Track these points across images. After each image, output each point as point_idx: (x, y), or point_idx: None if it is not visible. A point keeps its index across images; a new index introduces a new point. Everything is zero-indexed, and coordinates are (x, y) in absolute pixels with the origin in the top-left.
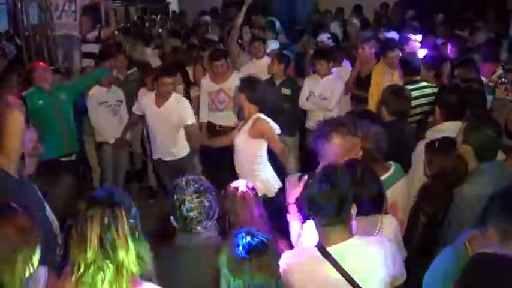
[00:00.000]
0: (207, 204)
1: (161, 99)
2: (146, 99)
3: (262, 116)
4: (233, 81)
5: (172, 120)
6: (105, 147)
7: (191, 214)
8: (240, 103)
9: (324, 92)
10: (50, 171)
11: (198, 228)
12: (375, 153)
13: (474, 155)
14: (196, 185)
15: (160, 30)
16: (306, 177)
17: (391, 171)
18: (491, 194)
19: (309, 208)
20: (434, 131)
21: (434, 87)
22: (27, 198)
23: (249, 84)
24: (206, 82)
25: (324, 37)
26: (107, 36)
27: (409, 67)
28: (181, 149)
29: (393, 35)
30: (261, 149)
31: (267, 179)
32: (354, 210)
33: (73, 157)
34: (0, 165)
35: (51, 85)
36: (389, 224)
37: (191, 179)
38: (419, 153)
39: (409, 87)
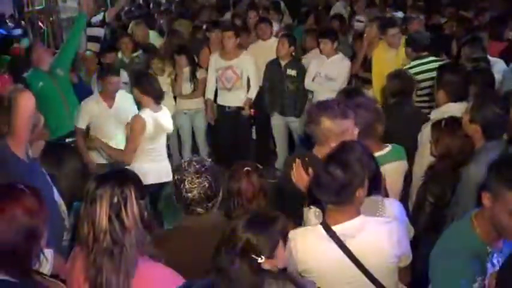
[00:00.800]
0: (206, 185)
1: (109, 98)
2: (91, 102)
3: (144, 115)
4: (242, 60)
5: (123, 119)
6: None
7: (190, 195)
8: (136, 96)
9: (330, 72)
10: (55, 154)
11: (198, 209)
12: (365, 130)
13: (482, 134)
14: (197, 166)
15: (161, 21)
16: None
17: (385, 151)
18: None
19: (315, 187)
20: (437, 113)
21: (442, 60)
22: (36, 180)
23: (139, 77)
24: (215, 58)
25: (353, 20)
26: (112, 19)
27: (417, 45)
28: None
29: (400, 15)
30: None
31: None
32: (362, 192)
33: None
34: (10, 147)
35: (49, 65)
36: (391, 207)
37: (194, 159)
38: (425, 136)
39: (416, 62)
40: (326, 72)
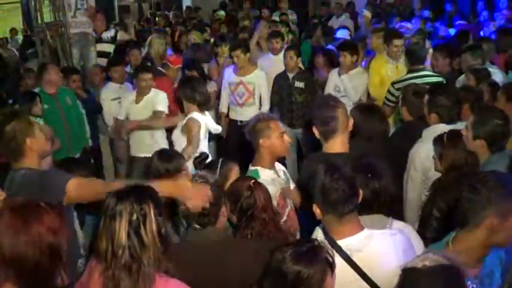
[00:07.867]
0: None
1: (140, 95)
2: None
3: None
4: (255, 76)
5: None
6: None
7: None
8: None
9: (348, 86)
10: (65, 169)
11: (195, 224)
12: None
13: (487, 148)
14: (199, 181)
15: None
16: None
17: None
18: None
19: (322, 200)
20: (431, 132)
21: (438, 76)
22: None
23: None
24: (228, 72)
25: None
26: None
27: (413, 56)
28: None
29: (409, 26)
30: None
31: None
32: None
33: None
34: (25, 164)
35: (58, 88)
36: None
37: (198, 174)
38: (418, 157)
39: (410, 75)
40: (345, 86)
